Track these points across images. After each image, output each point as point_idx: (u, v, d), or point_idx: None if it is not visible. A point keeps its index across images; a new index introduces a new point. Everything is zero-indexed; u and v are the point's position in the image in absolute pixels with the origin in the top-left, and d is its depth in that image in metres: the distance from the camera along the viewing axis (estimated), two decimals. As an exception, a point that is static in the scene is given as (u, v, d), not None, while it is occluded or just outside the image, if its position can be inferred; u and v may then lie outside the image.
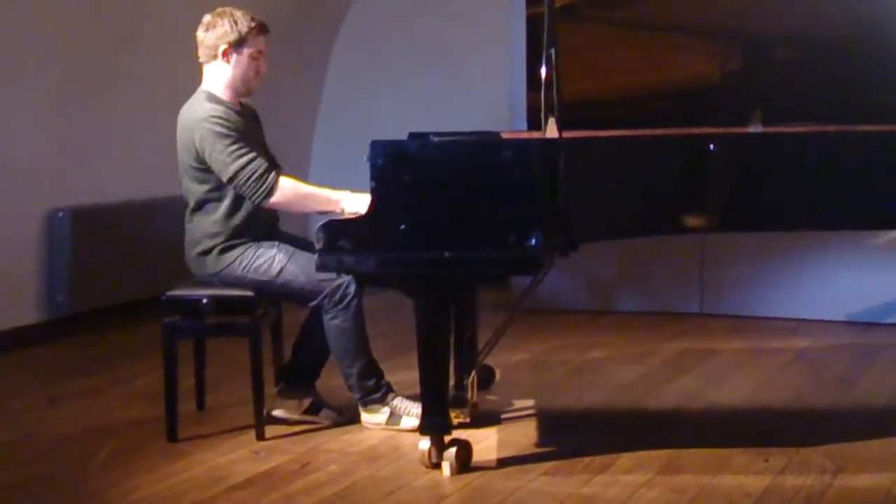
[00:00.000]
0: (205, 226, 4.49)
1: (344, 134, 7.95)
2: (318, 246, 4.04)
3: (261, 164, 4.38)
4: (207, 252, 4.49)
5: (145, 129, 6.79)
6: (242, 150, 4.37)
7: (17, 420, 4.85)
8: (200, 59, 4.52)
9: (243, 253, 4.47)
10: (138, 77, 6.67)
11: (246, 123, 4.52)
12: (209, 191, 4.47)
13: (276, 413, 4.64)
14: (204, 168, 4.43)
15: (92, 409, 4.96)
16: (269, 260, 4.47)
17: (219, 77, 4.50)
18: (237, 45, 4.45)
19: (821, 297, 6.50)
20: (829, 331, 6.29)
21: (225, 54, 4.46)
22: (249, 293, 4.46)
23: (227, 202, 4.47)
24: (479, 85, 7.62)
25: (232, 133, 4.39)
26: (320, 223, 4.06)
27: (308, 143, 8.21)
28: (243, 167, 4.36)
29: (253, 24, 4.47)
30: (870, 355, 5.78)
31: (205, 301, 4.45)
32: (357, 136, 4.81)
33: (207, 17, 4.49)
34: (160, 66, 6.76)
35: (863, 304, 6.43)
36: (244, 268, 4.47)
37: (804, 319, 6.48)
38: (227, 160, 4.37)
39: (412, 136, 4.86)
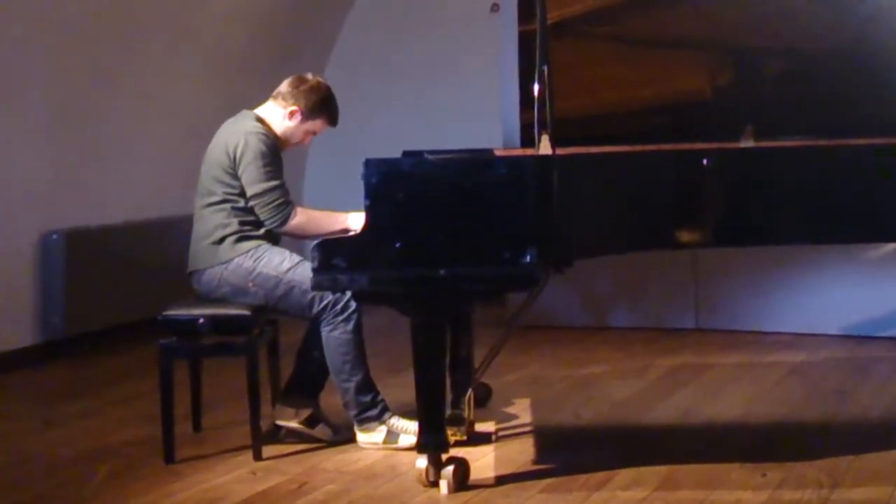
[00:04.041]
0: (220, 218, 4.57)
1: (337, 152, 7.95)
2: (313, 265, 4.05)
3: (284, 193, 4.57)
4: (221, 241, 4.56)
5: (139, 151, 6.80)
6: (273, 175, 4.56)
7: (12, 442, 4.83)
8: (274, 94, 4.70)
9: (259, 246, 4.57)
10: (131, 100, 6.68)
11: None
12: (231, 193, 4.57)
13: (276, 416, 4.67)
14: (233, 173, 4.56)
15: (88, 430, 4.95)
16: (281, 257, 4.56)
17: (274, 119, 4.68)
18: (305, 115, 4.67)
19: (816, 311, 6.50)
20: (824, 345, 6.29)
21: (293, 114, 4.67)
22: (246, 312, 4.47)
23: (247, 203, 4.56)
24: (473, 102, 7.64)
25: (271, 156, 4.57)
26: (315, 242, 4.08)
27: (301, 161, 8.22)
28: (268, 191, 4.53)
29: (331, 116, 4.74)
30: (865, 369, 5.78)
31: (201, 321, 4.45)
32: (351, 155, 4.83)
33: (309, 76, 4.74)
34: (152, 90, 6.77)
35: (857, 317, 6.43)
36: (256, 259, 4.54)
37: (799, 333, 6.48)
38: (258, 177, 4.53)
39: (406, 154, 4.87)
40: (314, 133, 4.78)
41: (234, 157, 4.54)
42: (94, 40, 6.32)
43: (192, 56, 6.98)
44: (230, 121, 4.70)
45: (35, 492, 4.24)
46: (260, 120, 4.65)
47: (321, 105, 4.69)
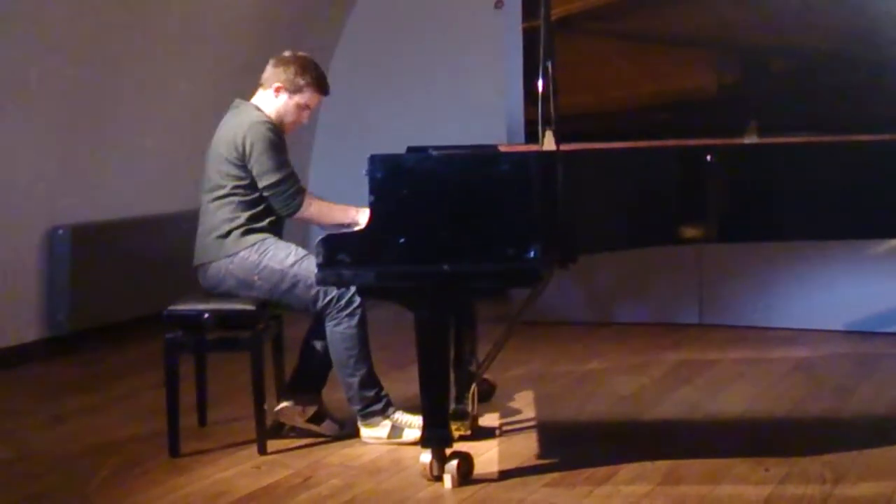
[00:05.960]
0: (226, 212, 4.58)
1: (342, 148, 7.98)
2: (317, 261, 4.07)
3: (296, 182, 4.59)
4: (227, 234, 4.57)
5: (144, 147, 6.81)
6: (285, 164, 4.58)
7: (18, 438, 4.85)
8: (261, 81, 4.72)
9: (264, 240, 4.58)
10: (137, 96, 6.69)
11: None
12: (240, 186, 4.57)
13: (281, 417, 4.68)
14: (242, 165, 4.56)
15: (93, 426, 4.97)
16: (287, 251, 4.57)
17: (266, 104, 4.69)
18: (292, 90, 4.65)
19: (819, 307, 6.51)
20: (827, 340, 6.30)
21: (277, 91, 4.66)
22: (251, 307, 4.49)
23: (255, 196, 4.58)
24: (477, 98, 7.65)
25: (281, 146, 4.59)
26: (319, 238, 4.09)
27: (307, 157, 8.23)
28: (283, 180, 4.55)
29: (314, 83, 4.69)
30: (868, 364, 5.79)
31: (206, 316, 4.46)
32: (355, 151, 4.84)
33: (286, 54, 4.73)
34: (158, 86, 6.78)
35: (861, 313, 6.44)
36: (262, 252, 4.55)
37: (803, 329, 6.49)
38: (271, 167, 4.54)
39: (410, 149, 4.88)
40: (308, 107, 4.72)
41: (243, 150, 4.54)
42: (100, 41, 6.33)
43: (197, 52, 7.00)
44: (231, 113, 4.69)
45: (41, 486, 4.25)
46: (259, 109, 4.66)
47: (301, 75, 4.65)
